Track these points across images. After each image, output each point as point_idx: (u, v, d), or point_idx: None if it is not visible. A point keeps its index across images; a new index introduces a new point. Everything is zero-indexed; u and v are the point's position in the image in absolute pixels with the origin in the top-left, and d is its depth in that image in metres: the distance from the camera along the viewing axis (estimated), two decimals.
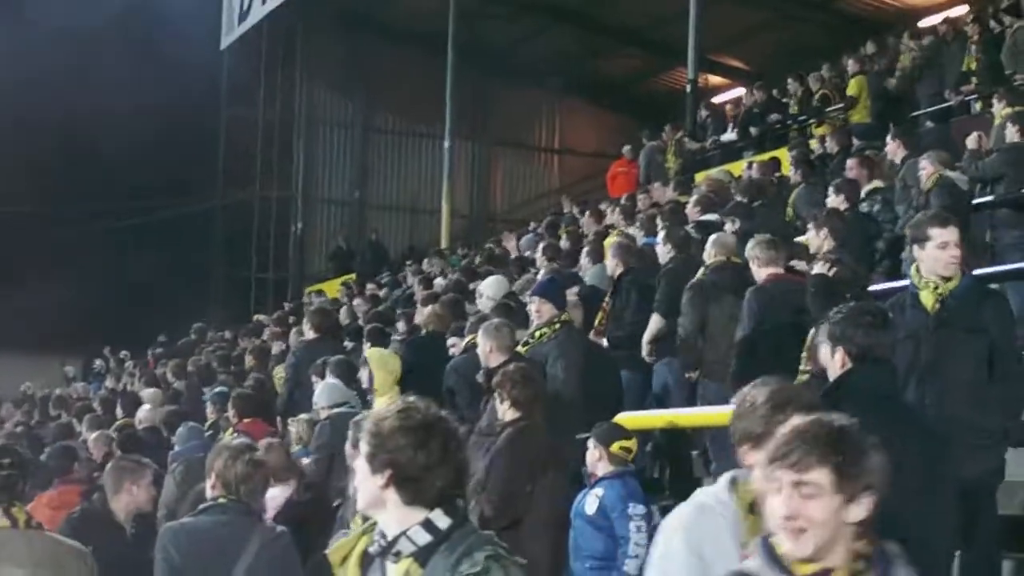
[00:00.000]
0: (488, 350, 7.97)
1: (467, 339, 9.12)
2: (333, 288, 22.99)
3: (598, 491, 6.89)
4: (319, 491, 7.71)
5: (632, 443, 7.09)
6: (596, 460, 6.98)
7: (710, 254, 8.97)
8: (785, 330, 7.43)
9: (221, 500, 5.45)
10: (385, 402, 5.65)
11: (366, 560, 3.27)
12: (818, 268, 7.50)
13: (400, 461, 3.16)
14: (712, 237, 9.30)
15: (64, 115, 24.75)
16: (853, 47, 19.09)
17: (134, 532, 6.16)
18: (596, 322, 10.14)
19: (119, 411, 13.03)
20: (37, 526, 5.12)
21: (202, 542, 5.38)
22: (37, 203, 27.24)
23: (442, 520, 3.18)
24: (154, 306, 24.79)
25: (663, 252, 9.97)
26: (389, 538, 3.20)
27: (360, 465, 3.25)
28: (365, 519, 3.37)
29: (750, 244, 8.37)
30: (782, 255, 8.23)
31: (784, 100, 19.05)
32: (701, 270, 8.91)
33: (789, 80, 19.09)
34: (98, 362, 22.24)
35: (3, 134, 24.75)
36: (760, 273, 8.12)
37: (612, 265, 10.29)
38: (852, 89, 16.82)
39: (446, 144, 24.73)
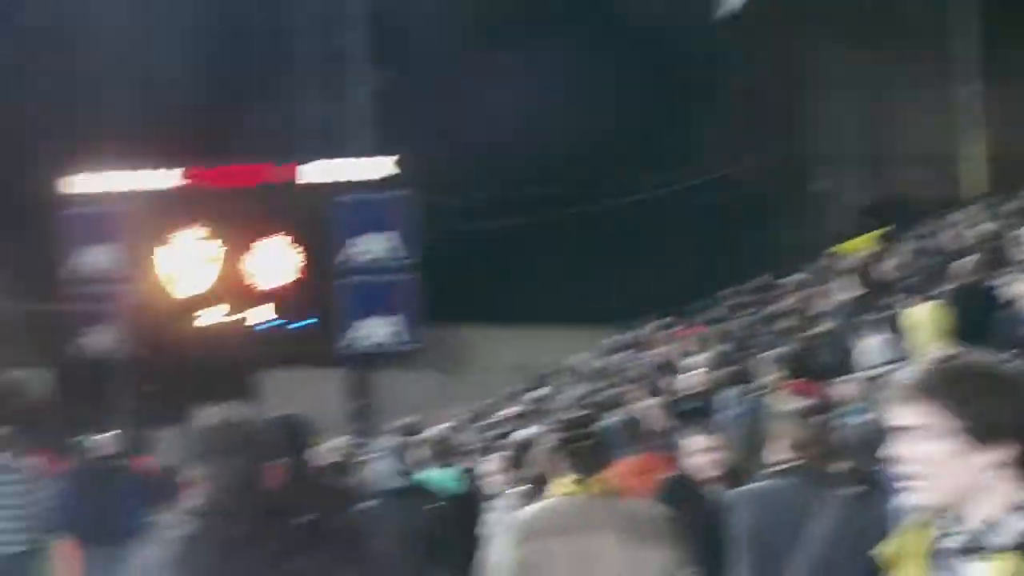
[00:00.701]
0: None
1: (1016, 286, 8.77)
2: (857, 247, 22.60)
3: None
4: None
5: None
6: None
7: None
8: None
9: (791, 463, 5.46)
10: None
11: (935, 557, 2.52)
12: None
13: (1009, 427, 2.39)
14: None
15: None
16: None
17: (711, 498, 6.28)
18: None
19: (665, 378, 13.41)
20: (618, 493, 5.32)
21: (774, 506, 5.35)
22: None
23: None
24: (683, 274, 25.36)
25: None
26: (976, 530, 2.44)
27: (932, 438, 2.44)
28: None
29: None
30: None
31: None
32: None
33: None
34: (637, 332, 22.99)
35: None
36: None
37: None
38: None
39: (967, 89, 23.66)
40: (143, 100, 30.00)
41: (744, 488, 5.72)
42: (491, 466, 7.90)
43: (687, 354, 14.41)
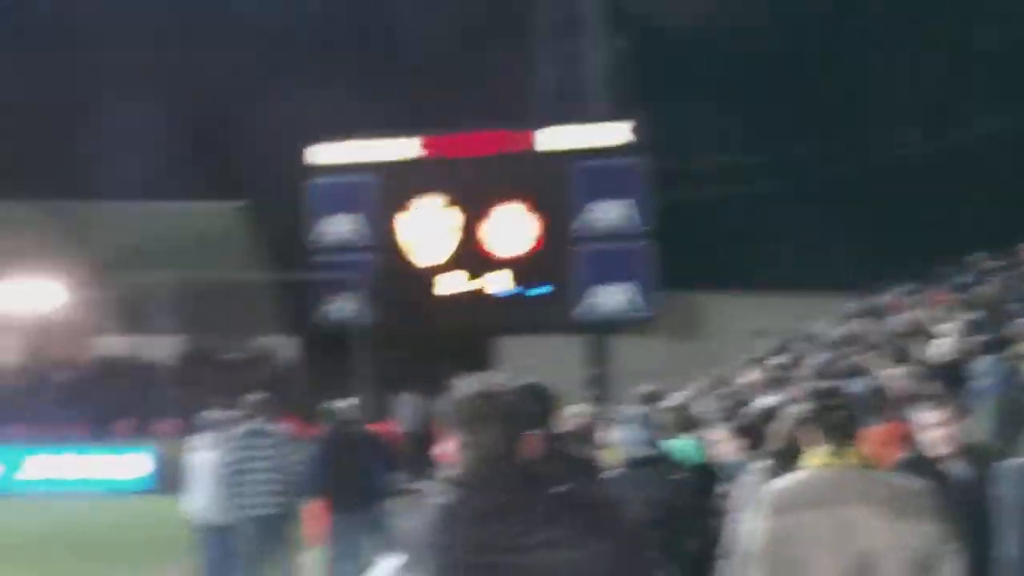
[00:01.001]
0: None
1: None
2: None
3: None
4: None
5: None
6: None
7: None
8: None
9: None
10: None
11: None
12: None
13: None
14: None
15: None
16: None
17: (949, 474, 6.05)
18: None
19: (911, 346, 12.98)
20: (874, 465, 5.15)
21: None
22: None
23: None
24: (929, 238, 24.65)
25: None
26: None
27: None
28: None
29: None
30: None
31: None
32: None
33: None
34: (879, 297, 22.43)
35: None
36: None
37: None
38: None
39: None
40: (385, 71, 30.67)
41: (1013, 461, 5.52)
42: (723, 435, 7.78)
43: (935, 321, 13.93)
